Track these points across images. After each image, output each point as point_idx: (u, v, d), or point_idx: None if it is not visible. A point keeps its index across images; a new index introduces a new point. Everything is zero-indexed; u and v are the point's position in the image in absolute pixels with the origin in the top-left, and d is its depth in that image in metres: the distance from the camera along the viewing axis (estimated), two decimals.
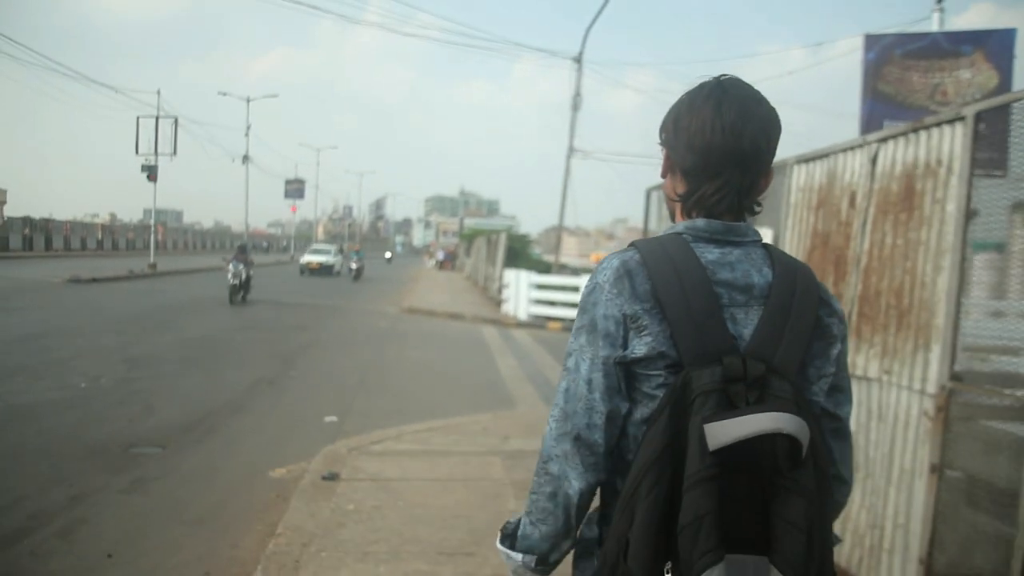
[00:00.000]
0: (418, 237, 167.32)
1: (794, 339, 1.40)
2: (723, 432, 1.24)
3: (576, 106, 21.06)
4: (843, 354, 1.52)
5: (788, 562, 1.24)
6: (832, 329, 1.48)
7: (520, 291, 20.97)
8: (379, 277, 40.56)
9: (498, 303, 23.85)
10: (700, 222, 1.47)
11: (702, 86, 1.51)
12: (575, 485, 1.45)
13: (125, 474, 6.05)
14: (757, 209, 1.54)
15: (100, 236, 54.96)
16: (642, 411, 1.42)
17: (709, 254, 1.44)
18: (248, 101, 48.30)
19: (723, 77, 1.52)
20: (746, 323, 1.41)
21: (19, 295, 19.54)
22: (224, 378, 10.21)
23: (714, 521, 1.22)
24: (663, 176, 1.60)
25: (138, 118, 32.88)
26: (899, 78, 9.77)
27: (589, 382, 1.42)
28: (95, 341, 12.65)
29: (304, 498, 5.25)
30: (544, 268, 31.50)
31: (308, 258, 39.55)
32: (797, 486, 1.26)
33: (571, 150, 21.49)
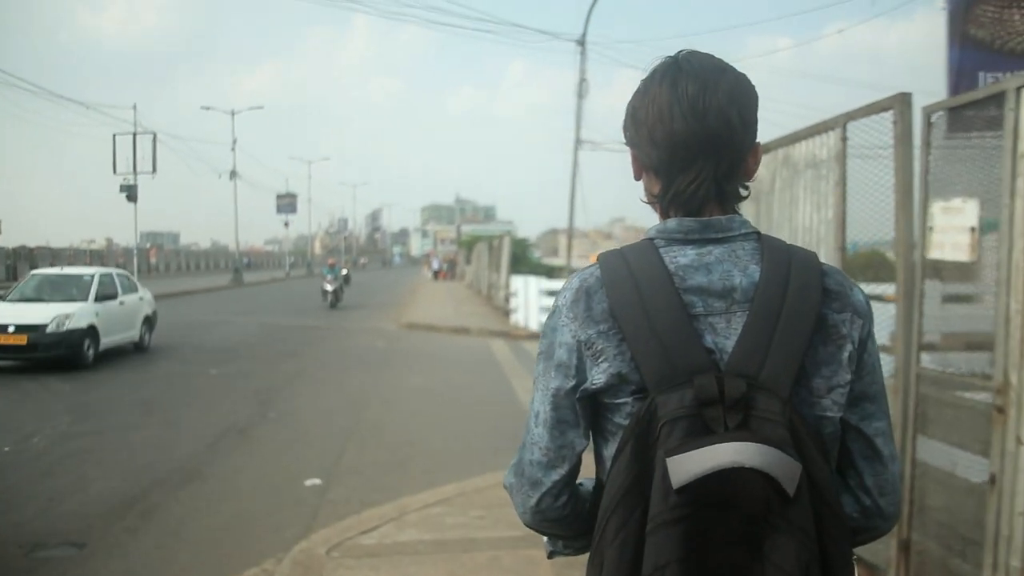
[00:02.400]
0: (416, 247, 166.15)
1: (786, 346, 1.18)
2: (685, 466, 1.07)
3: (581, 93, 19.21)
4: (867, 355, 1.26)
5: None
6: (840, 328, 1.23)
7: (529, 299, 19.17)
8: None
9: (505, 313, 22.05)
10: (672, 222, 1.29)
11: (655, 68, 1.31)
12: (523, 518, 1.35)
13: None
14: (744, 194, 1.32)
15: (88, 262, 53.30)
16: (615, 444, 1.21)
17: (682, 257, 1.25)
18: (233, 114, 46.52)
19: (680, 53, 1.32)
20: (728, 333, 1.20)
21: None
22: (186, 428, 8.39)
23: (679, 571, 1.06)
24: (637, 179, 1.39)
25: (114, 136, 31.30)
26: (996, 19, 7.93)
27: (537, 415, 1.29)
28: (45, 384, 10.85)
29: None
30: (545, 271, 29.88)
31: None
32: (788, 526, 1.08)
33: (578, 141, 19.66)
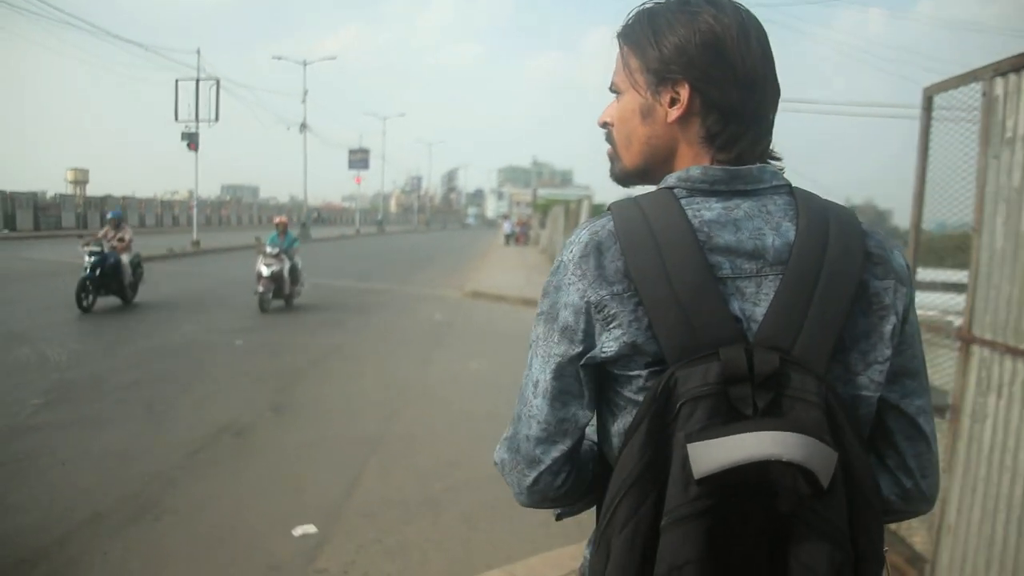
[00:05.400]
0: (491, 208, 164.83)
1: (824, 315, 1.05)
2: (709, 455, 0.94)
3: None
4: (909, 326, 1.13)
5: None
6: (883, 297, 1.10)
7: None
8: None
9: None
10: (695, 170, 1.14)
11: (719, 3, 1.15)
12: (519, 499, 1.21)
13: None
14: (778, 157, 1.20)
15: (159, 212, 52.95)
16: (625, 420, 1.11)
17: (707, 211, 1.11)
18: (304, 64, 45.10)
19: None
20: (758, 298, 1.07)
21: (15, 282, 16.52)
22: (173, 424, 6.59)
23: (697, 572, 0.93)
24: (671, 121, 1.17)
25: (177, 81, 29.83)
26: None
27: (536, 384, 1.14)
28: (41, 351, 9.24)
29: None
30: None
31: None
32: (819, 522, 0.96)
33: None
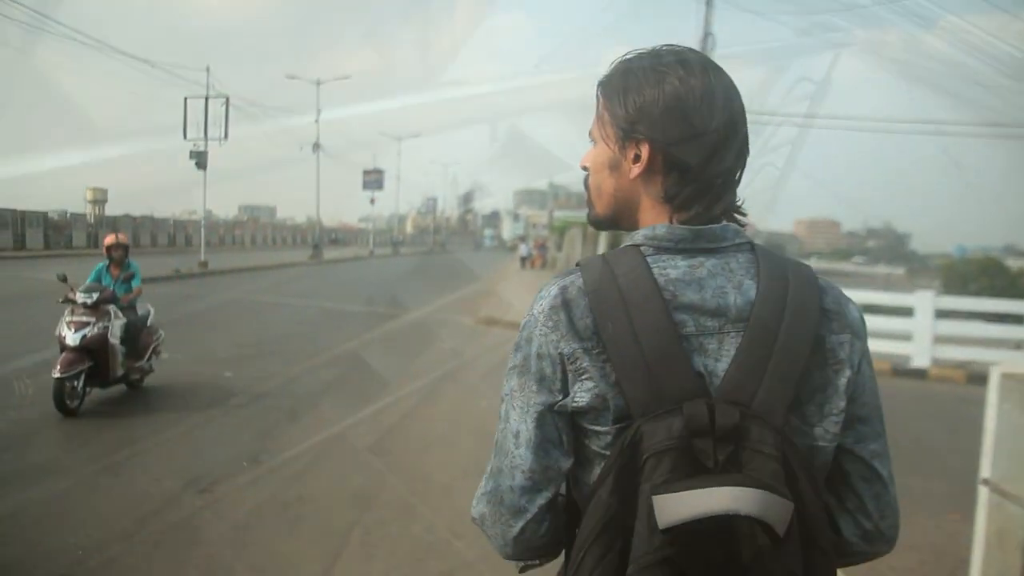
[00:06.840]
0: (507, 230, 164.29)
1: (782, 371, 1.09)
2: (673, 507, 0.97)
3: (707, 48, 15.84)
4: (863, 378, 1.18)
5: None
6: (839, 352, 1.15)
7: None
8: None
9: None
10: (661, 228, 1.18)
11: (683, 59, 1.18)
12: (503, 551, 1.21)
13: None
14: (744, 213, 1.22)
15: (172, 232, 52.48)
16: (594, 472, 1.14)
17: (672, 270, 1.14)
18: (318, 84, 44.54)
19: (674, 47, 1.21)
20: (720, 354, 1.11)
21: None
22: (119, 501, 5.62)
23: None
24: (633, 177, 1.20)
25: (186, 99, 29.21)
26: None
27: (516, 435, 1.16)
28: None
29: None
30: None
31: None
32: (777, 567, 0.98)
33: None
